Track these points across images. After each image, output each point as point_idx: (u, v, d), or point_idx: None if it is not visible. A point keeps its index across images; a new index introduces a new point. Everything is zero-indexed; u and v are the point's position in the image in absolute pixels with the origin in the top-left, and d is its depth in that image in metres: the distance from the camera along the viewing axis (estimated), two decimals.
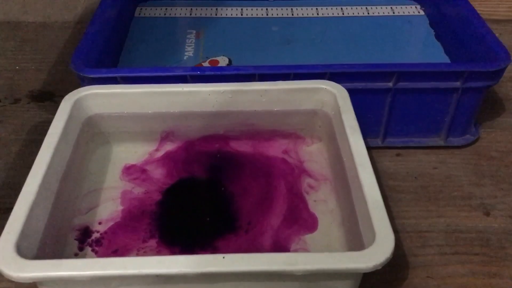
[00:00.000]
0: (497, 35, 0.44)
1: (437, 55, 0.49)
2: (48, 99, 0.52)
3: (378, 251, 0.27)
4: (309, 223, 0.36)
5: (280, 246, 0.34)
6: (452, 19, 0.49)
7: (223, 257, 0.27)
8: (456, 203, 0.41)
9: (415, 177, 0.43)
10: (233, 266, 0.27)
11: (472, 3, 0.48)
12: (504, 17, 0.63)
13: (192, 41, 0.52)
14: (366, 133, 0.36)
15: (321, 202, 0.37)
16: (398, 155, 0.45)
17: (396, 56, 0.50)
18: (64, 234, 0.35)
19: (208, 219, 0.36)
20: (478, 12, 0.47)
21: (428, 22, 0.54)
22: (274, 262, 0.27)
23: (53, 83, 0.54)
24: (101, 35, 0.46)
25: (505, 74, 0.42)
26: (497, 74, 0.41)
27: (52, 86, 0.54)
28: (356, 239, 0.31)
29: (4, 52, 0.59)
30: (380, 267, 0.27)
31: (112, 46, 0.49)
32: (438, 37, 0.52)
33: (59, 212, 0.34)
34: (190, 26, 0.54)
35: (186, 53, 0.50)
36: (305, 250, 0.34)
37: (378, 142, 0.45)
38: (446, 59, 0.49)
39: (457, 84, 0.41)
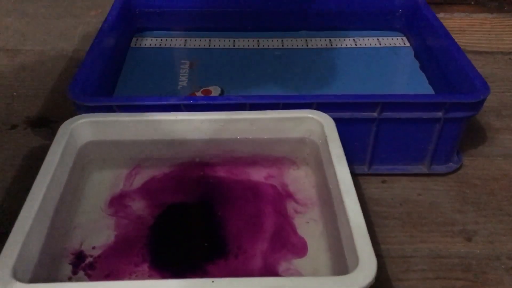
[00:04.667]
0: (479, 66, 0.46)
1: (421, 85, 0.51)
2: (44, 125, 0.53)
3: (361, 275, 0.29)
4: (298, 248, 0.37)
5: (269, 271, 0.35)
6: (436, 51, 0.51)
7: (212, 281, 0.28)
8: (439, 229, 0.42)
9: (400, 204, 0.44)
10: None
11: (454, 36, 0.50)
12: (485, 48, 0.66)
13: (186, 71, 0.53)
14: (352, 160, 0.37)
15: (309, 227, 0.38)
16: (383, 182, 0.46)
17: (382, 86, 0.51)
18: (58, 258, 0.36)
19: (198, 243, 0.37)
20: (461, 44, 0.49)
21: (413, 53, 0.56)
22: (262, 286, 0.28)
23: (49, 110, 0.55)
24: (98, 64, 0.48)
25: (486, 104, 0.44)
26: (478, 105, 0.43)
27: (48, 112, 0.55)
28: (341, 264, 0.32)
29: (3, 78, 0.60)
30: None
31: (109, 75, 0.51)
32: (422, 68, 0.53)
33: (54, 236, 0.35)
34: (184, 57, 0.56)
35: (180, 83, 0.52)
36: (294, 275, 0.35)
37: (364, 169, 0.46)
38: (430, 90, 0.50)
39: (439, 114, 0.42)
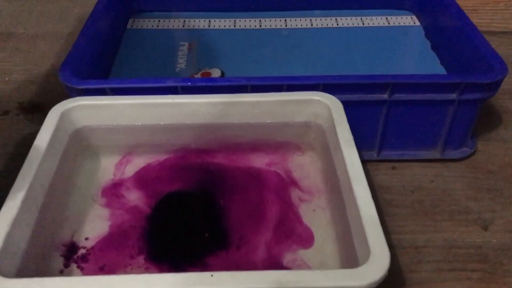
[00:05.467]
0: (493, 46, 0.43)
1: (433, 66, 0.49)
2: (38, 111, 0.51)
3: (373, 268, 0.26)
4: (304, 238, 0.35)
5: (273, 263, 0.33)
6: (448, 30, 0.49)
7: (212, 275, 0.26)
8: (453, 217, 0.40)
9: (411, 191, 0.42)
10: (221, 284, 0.26)
11: (468, 15, 0.48)
12: (499, 28, 0.63)
13: (184, 53, 0.51)
14: (360, 146, 0.35)
15: (316, 215, 0.36)
16: (393, 168, 0.44)
17: (391, 67, 0.49)
18: (49, 250, 0.34)
19: (198, 234, 0.35)
20: (474, 24, 0.47)
21: (423, 33, 0.53)
22: (264, 280, 0.26)
23: (43, 95, 0.53)
24: (92, 46, 0.46)
25: (502, 86, 0.41)
26: (494, 86, 0.40)
27: (43, 98, 0.53)
28: (350, 256, 0.30)
29: None
30: (374, 286, 0.26)
31: (103, 58, 0.48)
32: (434, 48, 0.51)
33: (44, 227, 0.33)
34: (182, 38, 0.53)
35: (178, 65, 0.50)
36: (300, 267, 0.33)
37: (373, 155, 0.44)
38: (442, 71, 0.48)
39: (454, 96, 0.40)
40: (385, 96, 0.40)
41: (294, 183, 0.39)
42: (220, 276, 0.26)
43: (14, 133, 0.48)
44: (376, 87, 0.40)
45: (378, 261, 0.27)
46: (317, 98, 0.38)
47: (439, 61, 0.49)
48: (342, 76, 0.40)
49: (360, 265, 0.28)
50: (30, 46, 0.61)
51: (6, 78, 0.56)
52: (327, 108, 0.37)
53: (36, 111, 0.51)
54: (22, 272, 0.29)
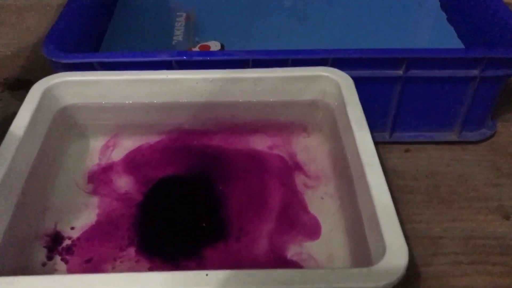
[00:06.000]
0: None
1: (450, 39, 0.46)
2: (24, 87, 0.48)
3: (389, 268, 0.24)
4: (310, 229, 0.32)
5: (276, 257, 0.30)
6: (467, 1, 0.45)
7: (206, 275, 0.23)
8: (472, 205, 0.37)
9: (426, 176, 0.40)
10: (217, 285, 0.23)
11: None
12: None
13: (181, 24, 0.49)
14: (372, 126, 0.32)
15: (323, 204, 0.33)
16: (407, 151, 0.42)
17: (404, 41, 0.46)
18: (30, 240, 0.31)
19: (194, 224, 0.32)
20: None
21: (439, 4, 0.50)
22: (267, 281, 0.23)
23: (31, 71, 0.51)
24: (80, 16, 0.43)
25: None
26: None
27: (30, 74, 0.50)
28: (362, 249, 0.28)
29: None
30: (390, 287, 0.23)
31: (93, 30, 0.45)
32: (450, 20, 0.48)
33: (24, 216, 0.30)
34: (179, 8, 0.51)
35: (175, 38, 0.47)
36: (306, 261, 0.30)
37: (385, 136, 0.42)
38: (459, 45, 0.45)
39: (475, 72, 0.38)
40: (400, 72, 0.38)
41: (299, 167, 0.36)
42: (216, 276, 0.23)
43: None
44: (390, 62, 0.37)
45: (395, 259, 0.24)
46: (326, 74, 0.35)
47: (456, 35, 0.47)
48: (353, 50, 0.37)
49: (373, 261, 0.25)
50: (17, 19, 0.58)
51: None
52: (336, 85, 0.35)
53: (22, 87, 0.48)
54: None
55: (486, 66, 0.37)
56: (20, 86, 0.48)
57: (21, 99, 0.45)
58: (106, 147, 0.37)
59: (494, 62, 0.37)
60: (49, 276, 0.26)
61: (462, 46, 0.45)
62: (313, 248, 0.31)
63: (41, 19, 0.57)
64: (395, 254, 0.24)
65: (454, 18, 0.48)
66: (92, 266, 0.30)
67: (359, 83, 0.35)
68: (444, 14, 0.49)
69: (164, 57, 0.36)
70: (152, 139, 0.37)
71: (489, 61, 0.37)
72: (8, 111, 0.45)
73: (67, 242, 0.31)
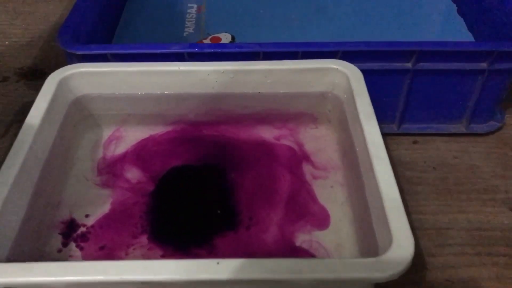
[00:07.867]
0: None
1: (460, 32, 0.46)
2: (39, 77, 0.49)
3: (395, 258, 0.24)
4: (319, 218, 0.33)
5: (286, 245, 0.31)
6: None
7: (218, 263, 0.24)
8: (479, 197, 0.38)
9: (434, 168, 0.40)
10: (228, 273, 0.24)
11: None
12: None
13: (193, 16, 0.49)
14: (380, 118, 0.32)
15: (331, 194, 0.34)
16: (415, 142, 0.42)
17: (414, 33, 0.46)
18: (46, 227, 0.32)
19: (205, 213, 0.33)
20: None
21: None
22: (276, 269, 0.24)
23: (45, 61, 0.51)
24: (94, 8, 0.43)
25: None
26: None
27: (44, 63, 0.51)
28: (369, 239, 0.28)
29: None
30: (396, 277, 0.24)
31: (106, 21, 0.46)
32: (460, 12, 0.48)
33: (40, 203, 0.31)
34: (191, 0, 0.51)
35: (186, 29, 0.47)
36: (315, 249, 0.31)
37: (393, 128, 0.42)
38: (470, 37, 0.45)
39: (484, 65, 0.38)
40: (409, 64, 0.38)
41: (307, 157, 0.36)
42: (227, 264, 0.24)
43: (14, 100, 0.46)
44: (399, 55, 0.37)
45: (401, 251, 0.24)
46: (335, 66, 0.35)
47: (466, 27, 0.46)
48: (362, 42, 0.37)
49: (380, 252, 0.26)
50: (32, 8, 0.58)
51: (6, 42, 0.53)
52: (345, 77, 0.35)
53: (36, 77, 0.49)
54: (15, 254, 0.27)
55: (496, 59, 0.37)
56: (35, 76, 0.49)
57: (35, 88, 0.47)
58: (117, 138, 0.37)
59: (504, 56, 0.37)
60: (65, 262, 0.27)
61: (472, 38, 0.45)
62: (322, 237, 0.31)
63: (54, 9, 0.58)
64: (402, 245, 0.25)
65: (464, 10, 0.48)
66: (106, 253, 0.31)
67: (368, 75, 0.35)
68: (454, 5, 0.49)
69: (176, 49, 0.37)
70: (163, 129, 0.38)
71: (499, 55, 0.37)
72: (24, 100, 0.46)
73: (81, 229, 0.32)
